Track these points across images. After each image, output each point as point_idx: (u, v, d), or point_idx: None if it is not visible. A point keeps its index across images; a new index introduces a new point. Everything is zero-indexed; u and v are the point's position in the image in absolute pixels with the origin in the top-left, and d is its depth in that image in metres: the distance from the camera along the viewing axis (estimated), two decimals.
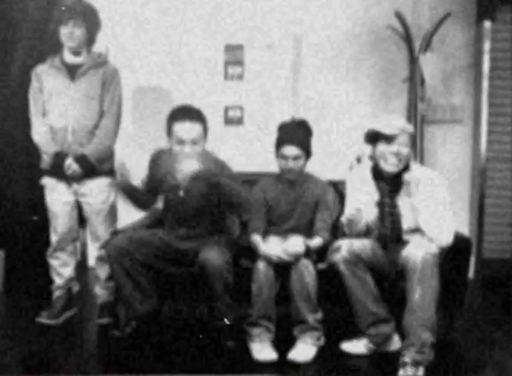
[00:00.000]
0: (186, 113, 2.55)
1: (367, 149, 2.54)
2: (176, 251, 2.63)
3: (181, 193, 2.58)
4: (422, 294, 2.27)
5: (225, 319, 2.49)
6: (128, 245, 2.47)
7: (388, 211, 2.53)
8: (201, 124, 2.55)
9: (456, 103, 3.78)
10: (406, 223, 2.49)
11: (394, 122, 2.47)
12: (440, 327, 2.67)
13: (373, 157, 2.53)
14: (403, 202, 2.50)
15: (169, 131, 2.56)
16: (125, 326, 2.55)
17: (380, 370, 2.39)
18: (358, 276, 2.43)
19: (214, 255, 2.40)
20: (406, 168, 2.52)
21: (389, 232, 2.54)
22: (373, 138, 2.50)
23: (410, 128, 2.52)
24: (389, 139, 2.45)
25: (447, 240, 2.40)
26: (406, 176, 2.44)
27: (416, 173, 2.47)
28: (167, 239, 2.64)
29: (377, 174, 2.54)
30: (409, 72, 3.63)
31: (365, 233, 2.55)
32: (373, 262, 2.49)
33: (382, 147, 2.47)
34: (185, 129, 2.49)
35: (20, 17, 3.67)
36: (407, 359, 2.27)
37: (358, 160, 3.24)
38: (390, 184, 2.53)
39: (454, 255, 2.53)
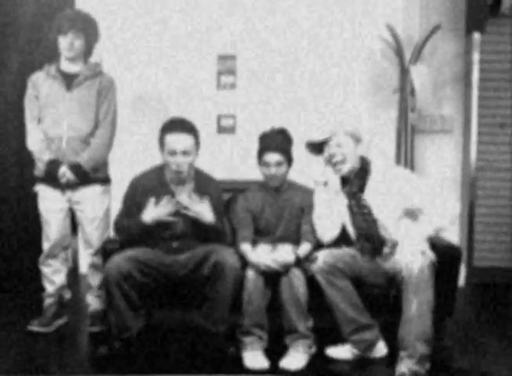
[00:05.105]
0: (178, 125, 2.57)
1: None
2: (170, 265, 2.59)
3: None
4: (418, 306, 2.27)
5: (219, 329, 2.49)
6: (128, 267, 2.42)
7: (357, 212, 2.57)
8: (193, 136, 2.57)
9: (446, 113, 3.82)
10: (381, 215, 2.51)
11: (325, 128, 2.57)
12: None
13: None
14: (370, 197, 2.52)
15: (161, 144, 2.58)
16: (115, 340, 2.51)
17: None
18: (336, 284, 2.46)
19: (231, 256, 2.47)
20: (366, 167, 2.54)
21: (365, 231, 2.56)
22: (314, 149, 2.59)
23: (345, 127, 2.54)
24: (322, 144, 2.55)
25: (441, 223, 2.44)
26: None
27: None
28: (160, 255, 2.61)
29: (344, 180, 2.60)
30: (399, 83, 3.67)
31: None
32: (353, 269, 2.52)
33: (324, 154, 2.57)
34: (177, 140, 2.52)
35: (16, 25, 3.69)
36: (404, 369, 2.28)
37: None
38: (355, 186, 2.56)
39: (444, 264, 2.56)
